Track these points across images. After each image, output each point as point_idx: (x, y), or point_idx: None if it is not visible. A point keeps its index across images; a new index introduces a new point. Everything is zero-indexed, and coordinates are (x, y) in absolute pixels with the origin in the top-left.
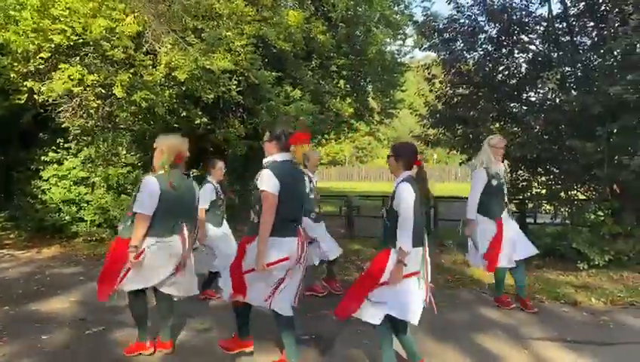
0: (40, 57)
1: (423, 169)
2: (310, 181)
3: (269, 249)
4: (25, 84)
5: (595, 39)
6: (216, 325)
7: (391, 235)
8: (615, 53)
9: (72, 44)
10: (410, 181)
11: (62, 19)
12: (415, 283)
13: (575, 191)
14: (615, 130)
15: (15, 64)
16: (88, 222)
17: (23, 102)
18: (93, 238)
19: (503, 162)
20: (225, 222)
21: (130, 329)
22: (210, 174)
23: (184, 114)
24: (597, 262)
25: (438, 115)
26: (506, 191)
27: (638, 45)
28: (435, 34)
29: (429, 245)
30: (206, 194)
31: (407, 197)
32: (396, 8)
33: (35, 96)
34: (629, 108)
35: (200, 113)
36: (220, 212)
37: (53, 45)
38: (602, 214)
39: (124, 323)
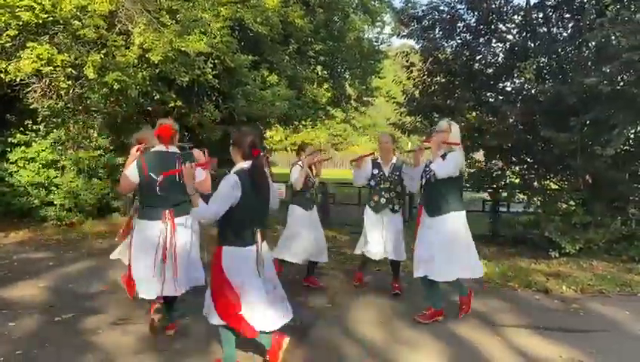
0: (7, 35)
1: (260, 160)
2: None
3: (138, 232)
4: None
5: (571, 30)
6: (192, 311)
7: (222, 230)
8: (591, 44)
9: (41, 22)
10: (241, 173)
11: None
12: (258, 283)
13: (548, 181)
14: (588, 121)
15: None
16: (58, 206)
17: None
18: (63, 223)
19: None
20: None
21: (100, 315)
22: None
23: (158, 97)
24: (568, 251)
25: (415, 103)
26: (374, 185)
27: (613, 37)
28: (414, 21)
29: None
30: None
31: (221, 188)
32: None
33: (2, 75)
34: (603, 99)
35: (174, 96)
36: (309, 195)
37: (20, 23)
38: (574, 204)
39: (95, 309)
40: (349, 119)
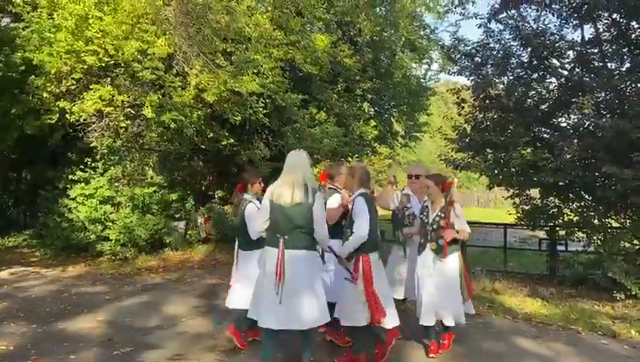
0: (72, 78)
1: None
2: None
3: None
4: (57, 104)
5: (630, 64)
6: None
7: None
8: None
9: (103, 65)
10: None
11: (95, 41)
12: None
13: (609, 219)
14: None
15: (48, 84)
16: (113, 241)
17: (54, 121)
18: (118, 257)
19: None
20: None
21: (157, 350)
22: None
23: (211, 135)
24: (634, 293)
25: (467, 139)
26: None
27: None
28: (465, 58)
29: None
30: None
31: None
32: (422, 33)
33: (67, 115)
34: None
35: (227, 134)
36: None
37: (85, 66)
38: (638, 243)
39: (152, 344)
40: (393, 155)
